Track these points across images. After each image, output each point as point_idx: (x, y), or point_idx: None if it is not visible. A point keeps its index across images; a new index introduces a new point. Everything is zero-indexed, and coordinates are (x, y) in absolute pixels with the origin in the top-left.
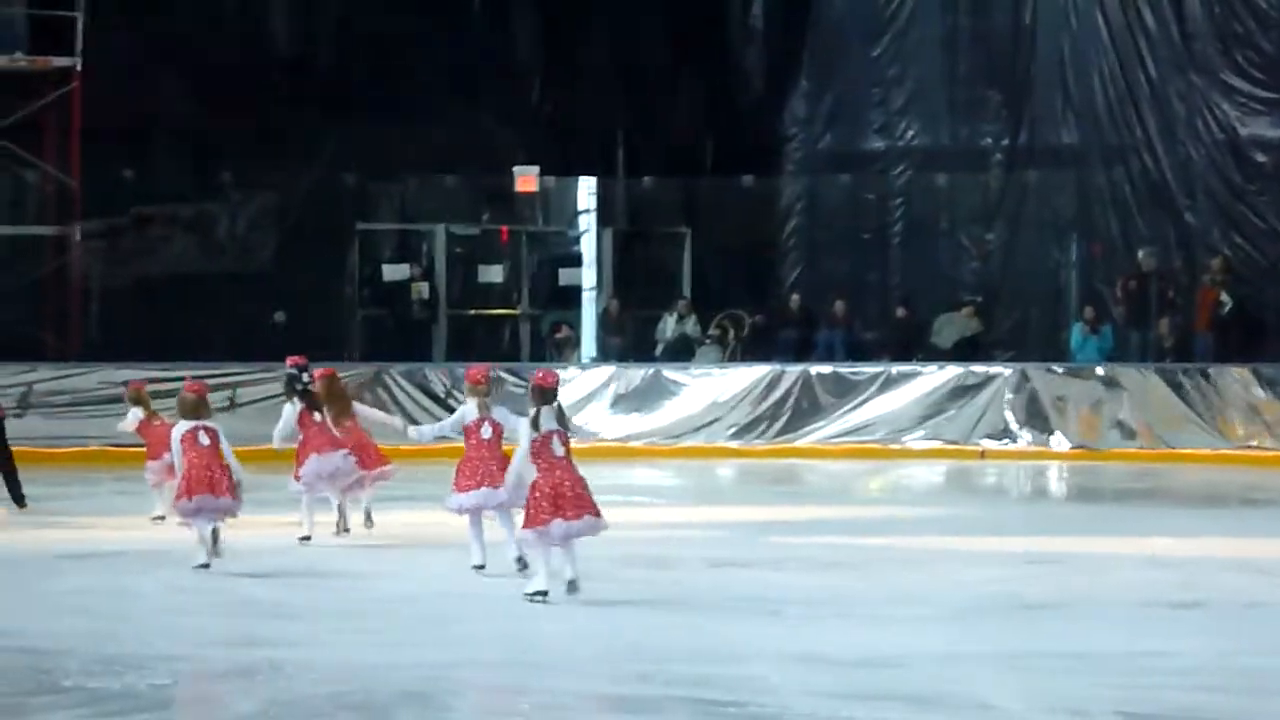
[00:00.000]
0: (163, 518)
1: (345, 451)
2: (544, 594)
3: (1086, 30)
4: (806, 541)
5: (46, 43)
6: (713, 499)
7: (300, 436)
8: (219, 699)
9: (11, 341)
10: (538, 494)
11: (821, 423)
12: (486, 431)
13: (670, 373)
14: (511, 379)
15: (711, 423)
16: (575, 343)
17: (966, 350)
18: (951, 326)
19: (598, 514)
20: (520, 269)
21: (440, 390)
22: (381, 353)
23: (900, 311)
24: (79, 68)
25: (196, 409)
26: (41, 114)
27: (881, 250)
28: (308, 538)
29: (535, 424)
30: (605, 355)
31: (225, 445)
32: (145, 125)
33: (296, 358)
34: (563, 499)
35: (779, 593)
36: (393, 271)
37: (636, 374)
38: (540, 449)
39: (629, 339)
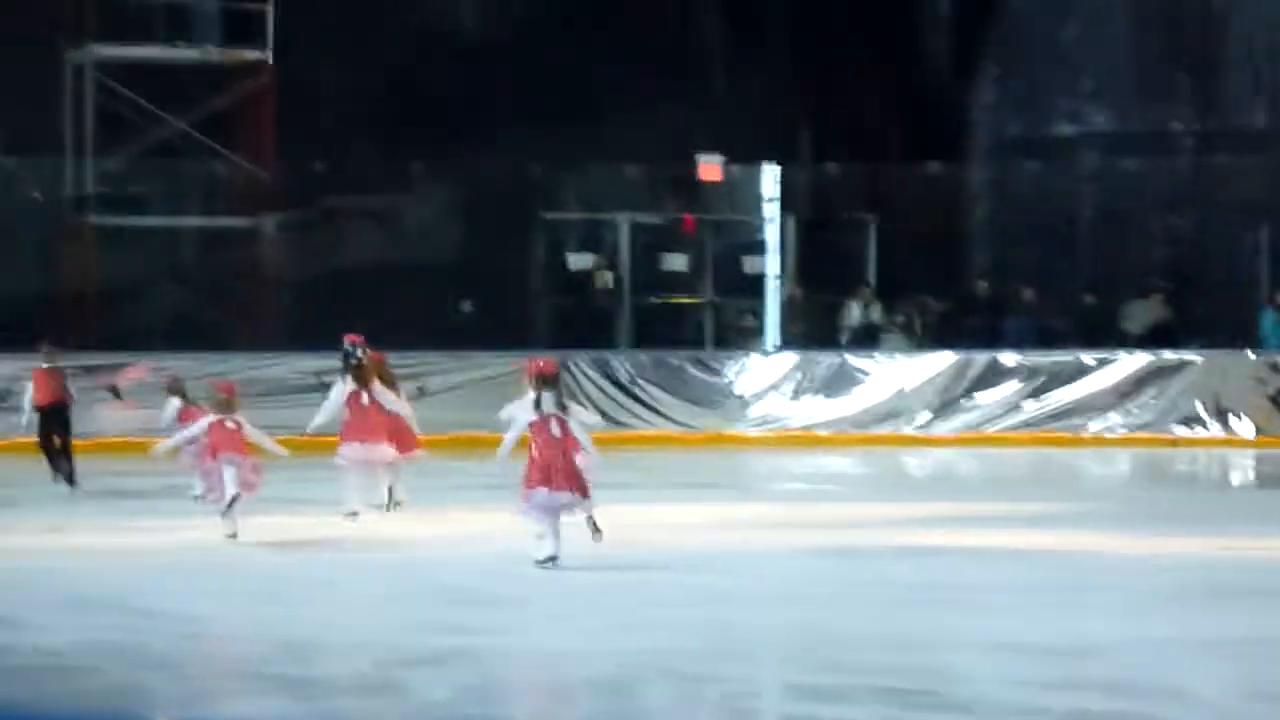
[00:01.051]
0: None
1: (383, 442)
2: (553, 559)
3: (1277, 11)
4: (996, 531)
5: (238, 35)
6: (900, 488)
7: (347, 415)
8: (412, 686)
9: (204, 331)
10: (532, 465)
11: (1009, 410)
12: (556, 429)
13: (856, 360)
14: (695, 368)
15: (898, 410)
16: (759, 330)
17: (1156, 337)
18: (1141, 313)
19: (586, 494)
20: (704, 257)
21: (624, 378)
22: (567, 341)
23: (1088, 298)
24: (270, 60)
25: (228, 405)
26: (233, 106)
27: (1070, 237)
28: (355, 513)
29: (537, 405)
30: (789, 343)
31: (251, 432)
32: (335, 117)
33: (354, 336)
34: (554, 471)
35: (969, 581)
36: (578, 260)
37: (822, 361)
38: (539, 429)
39: (812, 326)
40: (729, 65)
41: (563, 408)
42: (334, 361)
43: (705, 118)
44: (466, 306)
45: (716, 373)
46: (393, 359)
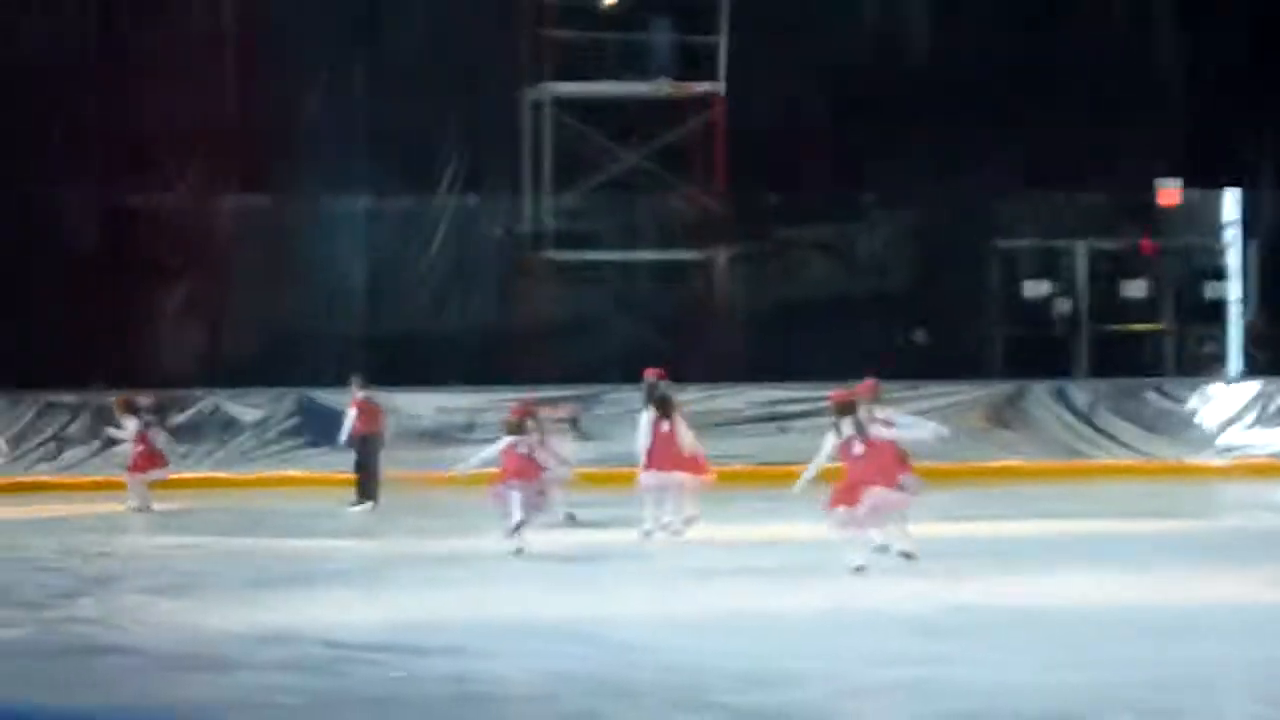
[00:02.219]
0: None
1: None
2: (861, 568)
3: None
4: None
5: (690, 68)
6: None
7: (650, 443)
8: (867, 716)
9: (657, 364)
10: (840, 485)
11: None
12: (858, 448)
13: None
14: (1155, 396)
15: None
16: (1220, 357)
17: None
18: None
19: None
20: (1163, 283)
21: (1083, 406)
22: (1022, 370)
23: None
24: (722, 92)
25: (519, 427)
26: (686, 139)
27: None
28: (650, 532)
29: (837, 431)
30: (1252, 370)
31: (540, 453)
32: (786, 148)
33: (656, 371)
34: (859, 488)
35: None
36: (1033, 288)
37: None
38: (844, 452)
39: (1276, 353)
40: (1188, 87)
41: (859, 428)
42: (791, 393)
43: (1163, 141)
44: (920, 336)
45: (1178, 400)
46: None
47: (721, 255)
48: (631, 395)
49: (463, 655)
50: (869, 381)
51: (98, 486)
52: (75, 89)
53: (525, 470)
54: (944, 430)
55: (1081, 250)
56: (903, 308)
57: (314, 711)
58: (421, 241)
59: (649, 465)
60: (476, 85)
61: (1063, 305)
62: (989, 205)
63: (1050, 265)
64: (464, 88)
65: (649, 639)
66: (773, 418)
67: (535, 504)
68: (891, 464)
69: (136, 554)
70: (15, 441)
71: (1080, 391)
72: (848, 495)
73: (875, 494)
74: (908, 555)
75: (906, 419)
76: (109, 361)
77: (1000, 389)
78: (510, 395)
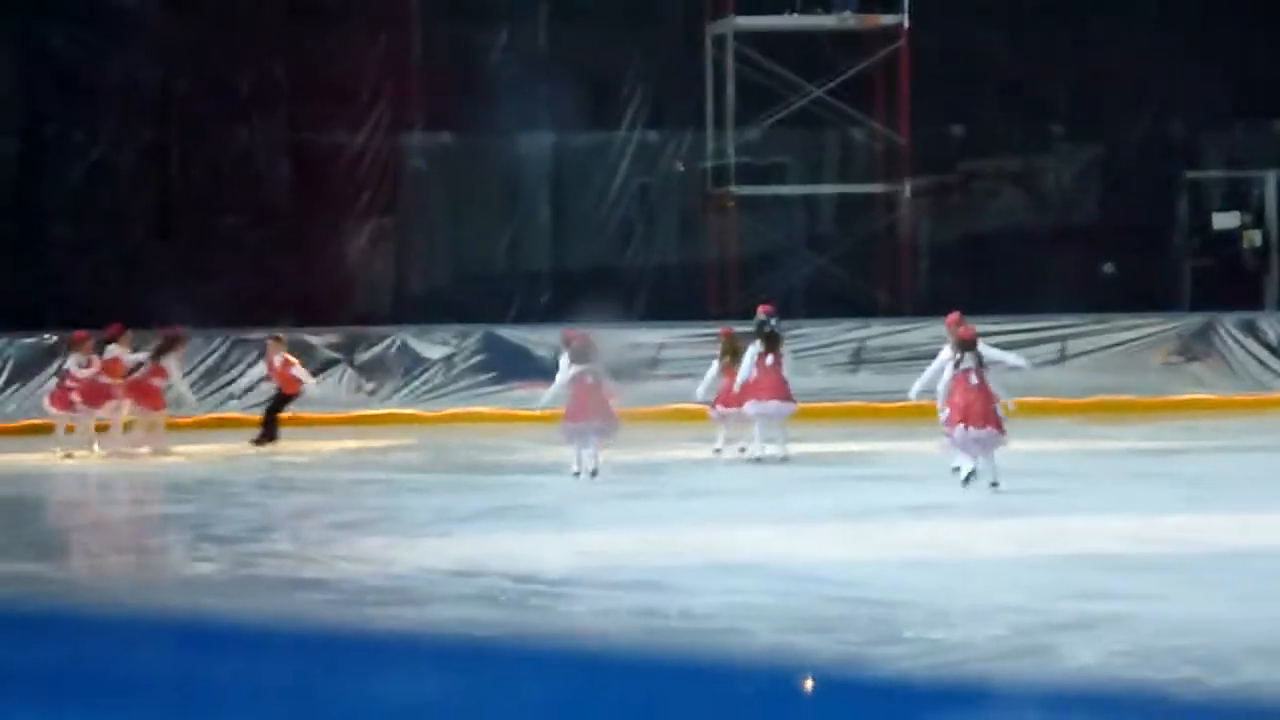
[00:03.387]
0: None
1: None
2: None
3: None
4: None
5: (875, 1)
6: None
7: (755, 374)
8: (1057, 650)
9: (842, 298)
10: (954, 409)
11: None
12: (974, 380)
13: None
14: None
15: None
16: None
17: None
18: None
19: (1002, 431)
20: None
21: (1274, 339)
22: (1211, 302)
23: None
24: (906, 24)
25: (584, 354)
26: (870, 72)
27: None
28: (758, 459)
29: (957, 364)
30: None
31: (607, 386)
32: (972, 80)
33: (766, 306)
34: (972, 413)
35: None
36: (1222, 220)
37: None
38: (960, 381)
39: None
40: None
41: (979, 361)
42: (976, 327)
43: None
44: (1108, 268)
45: None
46: (1036, 322)
47: (906, 189)
48: (815, 330)
49: (654, 590)
50: (957, 315)
51: (281, 423)
52: (263, 29)
53: (592, 402)
54: (1025, 363)
55: (1272, 181)
56: (1090, 240)
57: (505, 645)
58: (605, 178)
59: (751, 396)
60: (659, 20)
61: (1253, 237)
62: (1177, 136)
63: (1240, 196)
64: (647, 23)
65: (841, 573)
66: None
67: (606, 430)
68: (992, 400)
69: (328, 489)
70: (208, 377)
71: (1270, 324)
72: (966, 417)
73: (987, 429)
74: (995, 485)
75: (995, 351)
76: (297, 299)
77: (1189, 321)
78: (695, 331)
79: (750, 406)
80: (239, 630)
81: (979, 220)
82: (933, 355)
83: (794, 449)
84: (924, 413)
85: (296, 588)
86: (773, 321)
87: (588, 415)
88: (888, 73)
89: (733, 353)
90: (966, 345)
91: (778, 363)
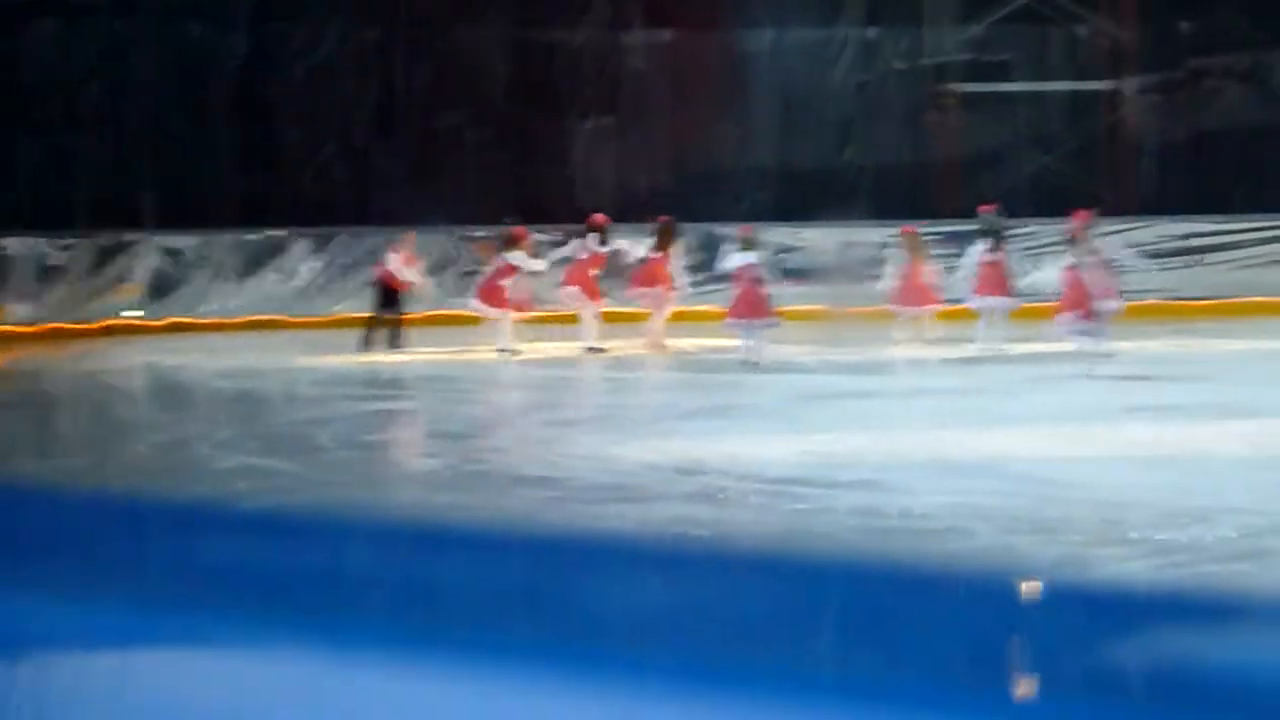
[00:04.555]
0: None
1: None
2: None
3: None
4: None
5: None
6: None
7: (980, 271)
8: None
9: (1067, 196)
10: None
11: None
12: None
13: None
14: None
15: None
16: None
17: None
18: None
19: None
20: None
21: None
22: None
23: None
24: None
25: (751, 244)
26: None
27: None
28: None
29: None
30: None
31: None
32: None
33: (989, 206)
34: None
35: None
36: None
37: None
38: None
39: None
40: None
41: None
42: (1202, 225)
43: None
44: None
45: None
46: (1263, 221)
47: (1132, 86)
48: (1041, 228)
49: (874, 489)
50: (1085, 213)
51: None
52: None
53: (756, 297)
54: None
55: None
56: None
57: (727, 543)
58: (825, 75)
59: (979, 290)
60: None
61: None
62: None
63: None
64: None
65: (1063, 473)
66: (1186, 251)
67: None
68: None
69: (556, 387)
70: (436, 271)
71: None
72: (1079, 305)
73: (1102, 307)
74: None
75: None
76: (520, 197)
77: None
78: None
79: (975, 300)
80: (463, 529)
81: (1206, 118)
82: (1159, 254)
83: (1018, 348)
84: (1144, 312)
85: (519, 485)
86: (996, 219)
87: (754, 311)
88: None
89: (917, 251)
90: (1076, 239)
91: (1001, 259)
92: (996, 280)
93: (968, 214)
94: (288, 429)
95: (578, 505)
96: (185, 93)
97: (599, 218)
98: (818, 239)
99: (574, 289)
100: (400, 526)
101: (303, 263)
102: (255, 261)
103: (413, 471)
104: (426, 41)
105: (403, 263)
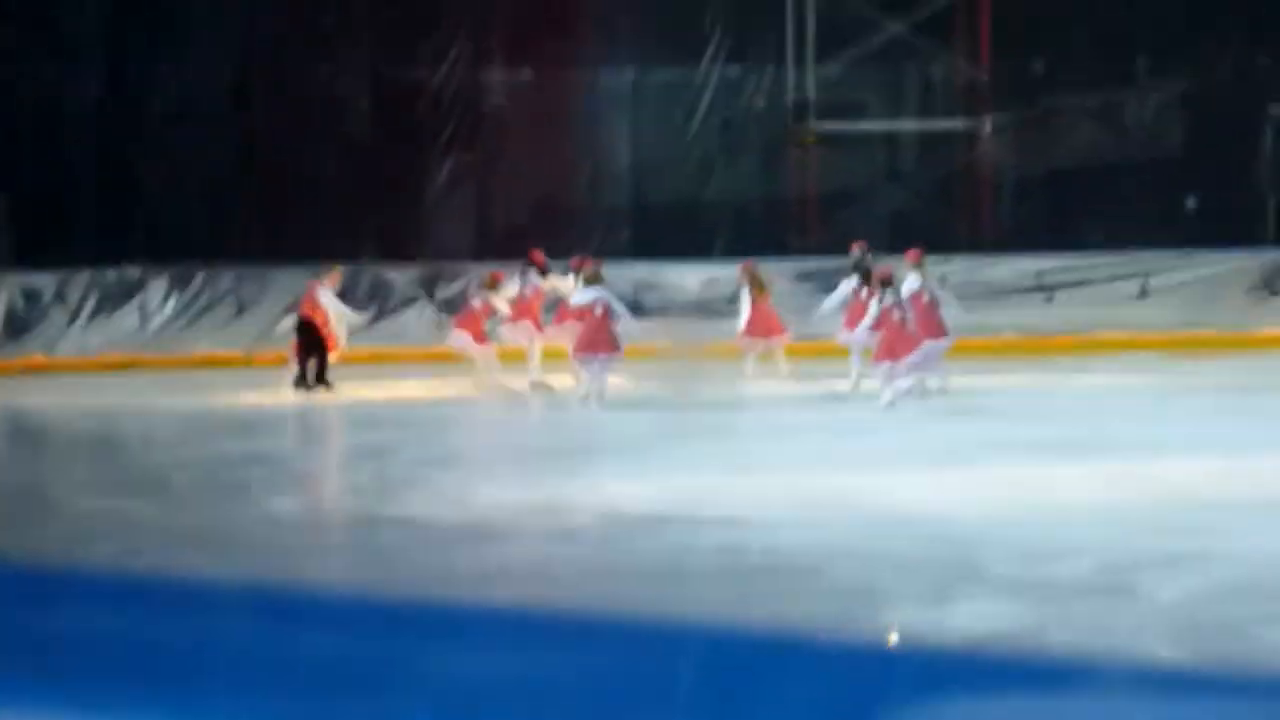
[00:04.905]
0: None
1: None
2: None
3: None
4: None
5: None
6: None
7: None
8: (1138, 588)
9: (923, 233)
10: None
11: None
12: (896, 315)
13: None
14: None
15: None
16: None
17: None
18: None
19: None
20: None
21: None
22: None
23: None
24: None
25: (596, 278)
26: (950, 7)
27: None
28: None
29: None
30: None
31: (616, 308)
32: (1053, 13)
33: (860, 242)
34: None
35: None
36: None
37: None
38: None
39: None
40: None
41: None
42: (1056, 261)
43: None
44: (1190, 203)
45: None
46: (1118, 257)
47: (987, 124)
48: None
49: (735, 527)
50: (915, 251)
51: (374, 358)
52: None
53: (601, 332)
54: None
55: None
56: (1172, 175)
57: (587, 581)
58: (686, 113)
59: (848, 325)
60: None
61: None
62: (1262, 70)
63: None
64: None
65: (922, 511)
66: (1040, 288)
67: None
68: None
69: (408, 425)
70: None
71: None
72: (891, 351)
73: (921, 349)
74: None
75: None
76: (379, 233)
77: (1272, 257)
78: (776, 266)
79: (843, 336)
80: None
81: (1060, 155)
82: (1014, 290)
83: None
84: (1014, 348)
85: (377, 526)
86: (867, 257)
87: (595, 346)
88: (969, 6)
89: (758, 285)
90: (887, 282)
91: (870, 297)
92: (862, 317)
93: (827, 251)
94: (144, 472)
95: (436, 547)
96: (41, 131)
97: (538, 255)
98: (676, 277)
99: (525, 324)
100: (249, 591)
101: (161, 301)
102: (112, 300)
103: (269, 513)
104: (286, 78)
105: (325, 298)
